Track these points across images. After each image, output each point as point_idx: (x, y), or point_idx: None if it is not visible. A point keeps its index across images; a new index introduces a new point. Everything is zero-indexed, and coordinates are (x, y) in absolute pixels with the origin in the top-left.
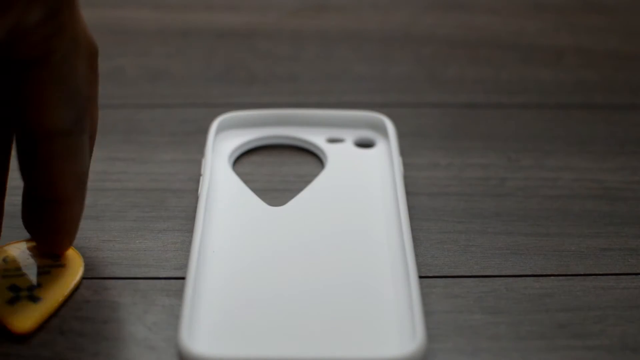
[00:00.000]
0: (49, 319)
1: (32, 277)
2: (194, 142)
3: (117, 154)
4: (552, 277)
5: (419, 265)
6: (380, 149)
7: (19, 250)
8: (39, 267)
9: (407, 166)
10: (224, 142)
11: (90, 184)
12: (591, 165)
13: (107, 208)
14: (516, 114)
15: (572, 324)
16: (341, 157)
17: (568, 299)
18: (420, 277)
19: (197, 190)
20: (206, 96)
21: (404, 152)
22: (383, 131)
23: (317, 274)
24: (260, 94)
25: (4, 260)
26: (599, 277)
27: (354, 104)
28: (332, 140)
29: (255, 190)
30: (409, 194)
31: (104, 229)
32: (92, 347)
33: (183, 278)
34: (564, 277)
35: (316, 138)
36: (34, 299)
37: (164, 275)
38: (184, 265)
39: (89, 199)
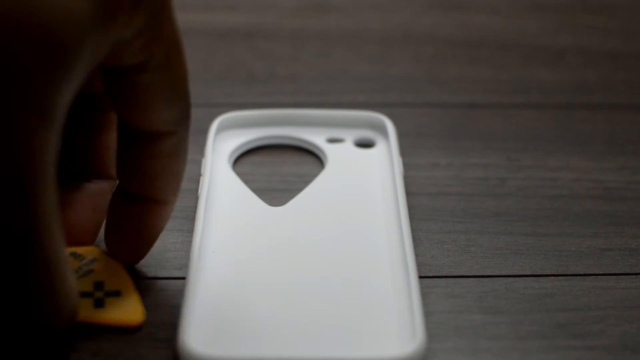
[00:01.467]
0: None
1: (87, 278)
2: (194, 142)
3: None
4: (552, 277)
5: (419, 265)
6: (380, 149)
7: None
8: (79, 270)
9: (407, 166)
10: (224, 142)
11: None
12: (591, 165)
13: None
14: (516, 114)
15: (572, 324)
16: (341, 157)
17: (568, 299)
18: (420, 277)
19: (197, 190)
20: (206, 96)
21: (404, 152)
22: (383, 131)
23: (317, 274)
24: (260, 94)
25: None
26: (599, 277)
27: (354, 104)
28: (332, 140)
29: (255, 190)
30: (409, 194)
31: (104, 229)
32: (92, 347)
33: (183, 278)
34: (564, 277)
35: (316, 138)
36: (115, 294)
37: (164, 275)
38: (184, 265)
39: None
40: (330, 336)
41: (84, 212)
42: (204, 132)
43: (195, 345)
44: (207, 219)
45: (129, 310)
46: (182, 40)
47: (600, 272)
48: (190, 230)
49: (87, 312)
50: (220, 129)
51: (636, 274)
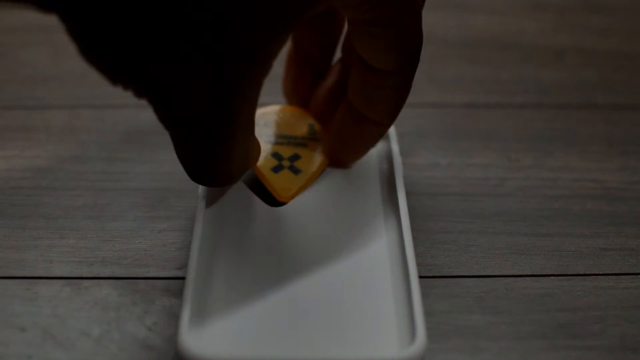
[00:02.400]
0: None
1: (293, 147)
2: None
3: (118, 154)
4: (552, 277)
5: (419, 265)
6: (380, 149)
7: (277, 116)
8: (297, 138)
9: (407, 166)
10: None
11: (90, 183)
12: (591, 165)
13: (107, 208)
14: (516, 114)
15: (572, 324)
16: None
17: (568, 299)
18: (420, 277)
19: (197, 190)
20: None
21: (404, 152)
22: None
23: (317, 274)
24: (260, 94)
25: (265, 124)
26: (599, 277)
27: None
28: None
29: (255, 190)
30: (409, 194)
31: (104, 229)
32: (93, 347)
33: (183, 278)
34: (564, 277)
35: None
36: (295, 170)
37: (164, 275)
38: (184, 265)
39: (88, 199)
40: (330, 336)
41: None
42: None
43: (195, 345)
44: (207, 219)
45: (286, 187)
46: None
47: (600, 272)
48: (190, 230)
49: (264, 168)
50: None
51: (636, 274)
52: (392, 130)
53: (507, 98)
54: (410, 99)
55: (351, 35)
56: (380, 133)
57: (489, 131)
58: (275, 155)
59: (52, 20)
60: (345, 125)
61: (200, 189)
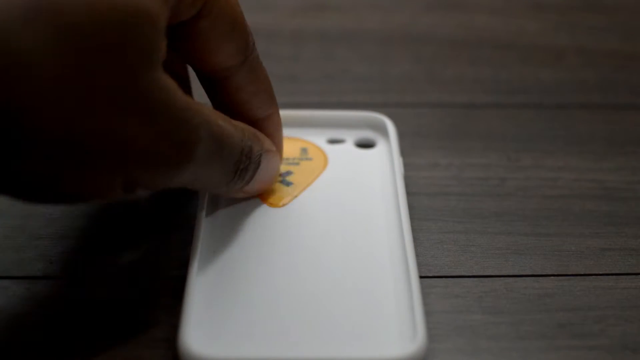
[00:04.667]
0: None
1: (285, 166)
2: None
3: None
4: (552, 277)
5: (419, 265)
6: (380, 149)
7: None
8: (289, 159)
9: (407, 166)
10: None
11: None
12: (591, 165)
13: (107, 208)
14: (516, 113)
15: (572, 324)
16: (341, 158)
17: (568, 299)
18: (420, 277)
19: (197, 190)
20: (207, 96)
21: (404, 152)
22: (383, 131)
23: (317, 274)
24: None
25: None
26: (599, 277)
27: (354, 104)
28: (333, 141)
29: None
30: (409, 194)
31: (104, 229)
32: (92, 347)
33: (183, 278)
34: (563, 277)
35: (316, 138)
36: (287, 183)
37: (164, 275)
38: (184, 265)
39: None
40: (331, 336)
41: None
42: None
43: (195, 345)
44: (208, 219)
45: (278, 196)
46: None
47: (600, 272)
48: (191, 231)
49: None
50: None
51: (636, 274)
52: (392, 130)
53: (507, 98)
54: (410, 98)
55: (185, 54)
56: (278, 118)
57: (489, 131)
58: None
59: None
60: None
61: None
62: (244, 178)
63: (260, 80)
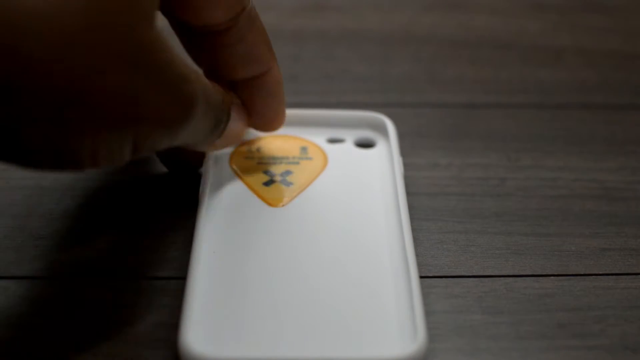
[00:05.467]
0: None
1: (285, 165)
2: None
3: None
4: (552, 277)
5: (419, 265)
6: (380, 149)
7: (270, 142)
8: (289, 158)
9: (407, 166)
10: None
11: (90, 183)
12: (591, 165)
13: (107, 208)
14: (516, 114)
15: (572, 324)
16: (341, 158)
17: (568, 299)
18: (420, 277)
19: (197, 190)
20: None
21: (404, 152)
22: (383, 131)
23: (317, 274)
24: None
25: (258, 149)
26: (599, 277)
27: (354, 104)
28: (332, 141)
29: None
30: (409, 194)
31: (104, 229)
32: (92, 347)
33: (183, 278)
34: (563, 277)
35: (316, 138)
36: (287, 183)
37: (164, 275)
38: (184, 265)
39: (89, 199)
40: (331, 336)
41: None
42: None
43: (195, 345)
44: (208, 219)
45: (277, 197)
46: None
47: (600, 272)
48: (191, 231)
49: (255, 183)
50: None
51: (636, 274)
52: (392, 130)
53: (507, 98)
54: (410, 98)
55: (184, 9)
56: (278, 73)
57: (489, 131)
58: (267, 172)
59: None
60: (250, 99)
61: (201, 188)
62: (218, 131)
63: (260, 30)
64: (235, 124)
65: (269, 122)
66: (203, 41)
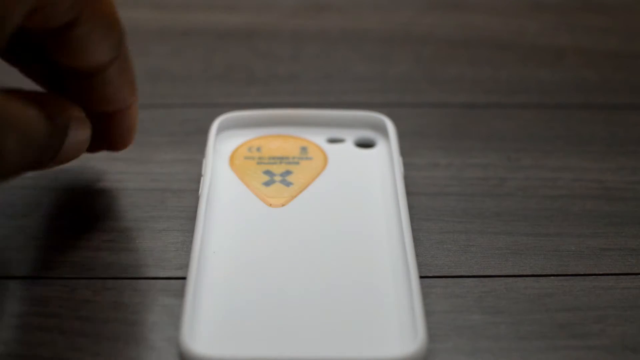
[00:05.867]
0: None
1: (285, 165)
2: (194, 142)
3: (117, 153)
4: (552, 277)
5: (419, 265)
6: (380, 149)
7: (269, 142)
8: (289, 158)
9: (407, 166)
10: (224, 142)
11: (90, 183)
12: (591, 165)
13: (107, 208)
14: (516, 114)
15: (572, 324)
16: (341, 157)
17: (568, 299)
18: (420, 277)
19: (197, 190)
20: (206, 96)
21: (404, 152)
22: (383, 131)
23: (318, 274)
24: (260, 94)
25: (258, 149)
26: (598, 277)
27: (354, 104)
28: (332, 141)
29: (256, 191)
30: (409, 194)
31: (104, 229)
32: (92, 347)
33: (183, 278)
34: (563, 277)
35: (316, 138)
36: (287, 183)
37: (164, 275)
38: (184, 265)
39: (89, 199)
40: (331, 336)
41: None
42: (205, 132)
43: (195, 345)
44: (208, 219)
45: (277, 197)
46: None
47: (600, 272)
48: (191, 231)
49: (255, 183)
50: (220, 129)
51: (636, 274)
52: (392, 130)
53: (507, 98)
54: (410, 98)
55: (58, 58)
56: (135, 111)
57: (489, 131)
58: (267, 172)
59: None
60: (102, 132)
61: (201, 188)
62: (52, 151)
63: (129, 71)
64: (76, 137)
65: (118, 147)
66: (69, 78)
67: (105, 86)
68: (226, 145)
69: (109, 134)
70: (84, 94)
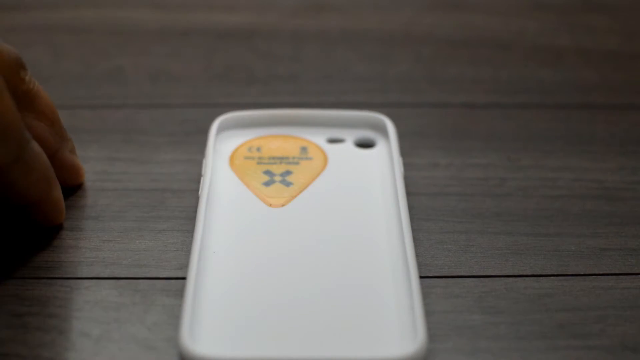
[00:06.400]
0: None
1: (285, 165)
2: (194, 142)
3: (117, 154)
4: (551, 277)
5: (419, 265)
6: (380, 149)
7: (269, 142)
8: (289, 158)
9: (407, 166)
10: (224, 142)
11: (90, 184)
12: (591, 165)
13: (107, 208)
14: (516, 114)
15: (572, 324)
16: (341, 158)
17: (568, 299)
18: (420, 277)
19: (197, 190)
20: (206, 96)
21: (404, 152)
22: (383, 131)
23: (318, 274)
24: (260, 94)
25: (258, 149)
26: (598, 277)
27: (354, 104)
28: (332, 141)
29: (256, 191)
30: (409, 194)
31: (104, 229)
32: (92, 347)
33: (183, 278)
34: (563, 277)
35: (316, 138)
36: (287, 183)
37: (164, 275)
38: (184, 266)
39: (89, 199)
40: (331, 336)
41: None
42: (205, 133)
43: (195, 346)
44: (208, 219)
45: (277, 197)
46: (2, 85)
47: (600, 272)
48: (191, 231)
49: (255, 183)
50: (220, 129)
51: (636, 274)
52: (392, 130)
53: (507, 98)
54: (410, 98)
55: None
56: (59, 191)
57: (489, 131)
58: (267, 172)
59: (52, 20)
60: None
61: (201, 188)
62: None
63: (37, 171)
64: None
65: (66, 183)
66: None
67: (8, 185)
68: (226, 145)
69: (32, 216)
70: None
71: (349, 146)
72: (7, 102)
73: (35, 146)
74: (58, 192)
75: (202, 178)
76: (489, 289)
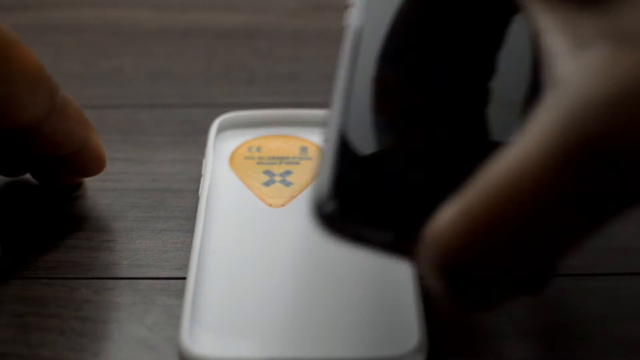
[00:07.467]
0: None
1: (285, 165)
2: (194, 142)
3: (117, 154)
4: None
5: None
6: None
7: (269, 142)
8: (289, 158)
9: None
10: (224, 142)
11: (90, 184)
12: None
13: (107, 208)
14: None
15: (571, 323)
16: None
17: (568, 299)
18: (421, 276)
19: (197, 190)
20: (206, 96)
21: None
22: None
23: (317, 274)
24: (260, 94)
25: (258, 149)
26: (599, 277)
27: None
28: None
29: (256, 191)
30: None
31: (104, 229)
32: (92, 347)
33: (183, 278)
34: (563, 277)
35: (316, 138)
36: (287, 183)
37: (164, 275)
38: (184, 266)
39: (89, 199)
40: (330, 336)
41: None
42: (205, 133)
43: (195, 345)
44: (208, 219)
45: (277, 197)
46: (16, 37)
47: (600, 272)
48: (191, 231)
49: (255, 183)
50: (220, 129)
51: (636, 274)
52: None
53: None
54: None
55: None
56: (96, 142)
57: None
58: (267, 172)
59: (52, 20)
60: (75, 168)
61: (201, 188)
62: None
63: (71, 118)
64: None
65: (88, 175)
66: (15, 138)
67: (49, 136)
68: (226, 145)
69: (74, 167)
70: (30, 145)
71: None
72: (28, 51)
73: (65, 93)
74: (97, 137)
75: (202, 178)
76: None
